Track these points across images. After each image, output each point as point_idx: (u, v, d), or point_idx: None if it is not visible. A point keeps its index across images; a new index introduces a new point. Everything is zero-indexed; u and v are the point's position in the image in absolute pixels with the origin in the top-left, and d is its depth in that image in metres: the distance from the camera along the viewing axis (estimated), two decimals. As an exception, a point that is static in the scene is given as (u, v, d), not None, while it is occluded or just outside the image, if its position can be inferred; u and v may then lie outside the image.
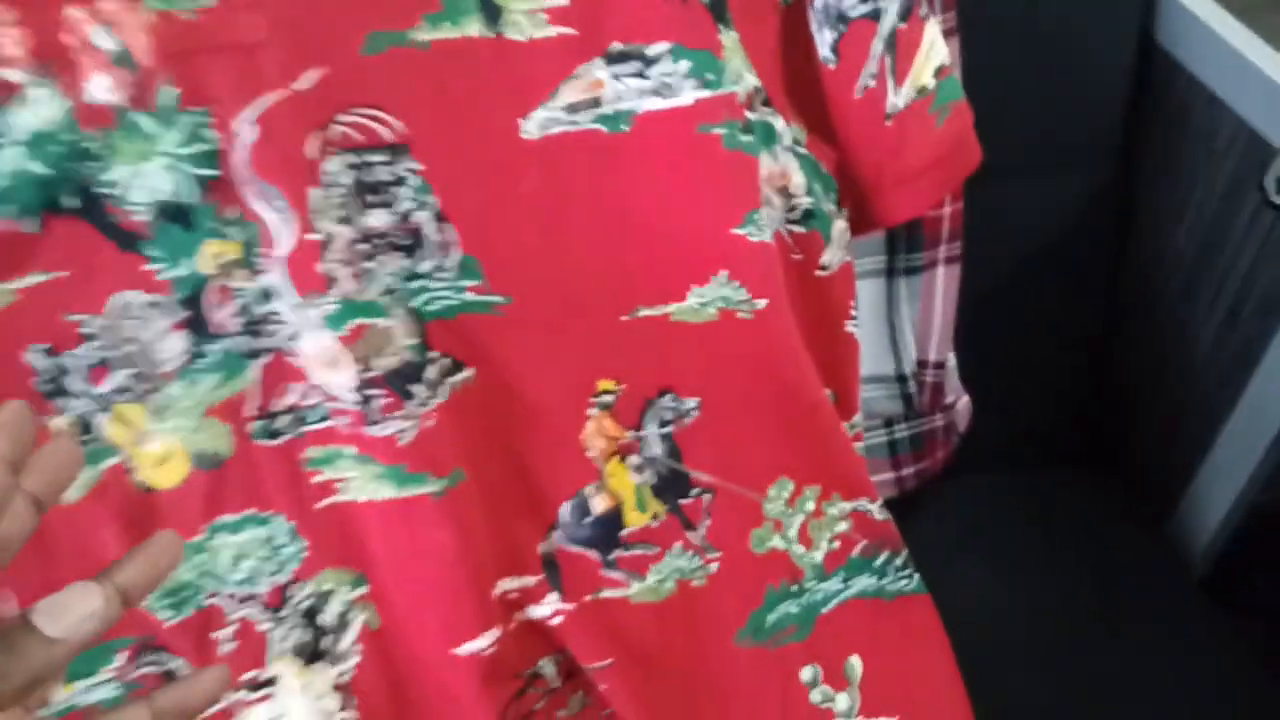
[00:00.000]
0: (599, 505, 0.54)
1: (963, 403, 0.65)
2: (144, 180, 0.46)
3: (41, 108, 0.44)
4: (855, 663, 0.56)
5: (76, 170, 0.45)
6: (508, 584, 0.53)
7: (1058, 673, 0.61)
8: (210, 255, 0.48)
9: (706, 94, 0.50)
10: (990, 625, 0.60)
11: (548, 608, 0.53)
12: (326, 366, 0.49)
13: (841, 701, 0.55)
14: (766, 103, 0.53)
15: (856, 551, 0.56)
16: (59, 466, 0.34)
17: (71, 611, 0.32)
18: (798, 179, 0.53)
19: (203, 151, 0.46)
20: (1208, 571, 0.67)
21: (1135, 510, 0.67)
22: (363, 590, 0.53)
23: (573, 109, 0.50)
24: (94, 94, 0.45)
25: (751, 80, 0.52)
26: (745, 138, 0.51)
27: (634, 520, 0.54)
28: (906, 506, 0.61)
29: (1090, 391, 0.71)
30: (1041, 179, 0.64)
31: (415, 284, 0.49)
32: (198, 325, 0.49)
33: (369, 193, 0.48)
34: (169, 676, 0.55)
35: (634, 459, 0.54)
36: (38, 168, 0.45)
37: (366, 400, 0.49)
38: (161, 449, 0.50)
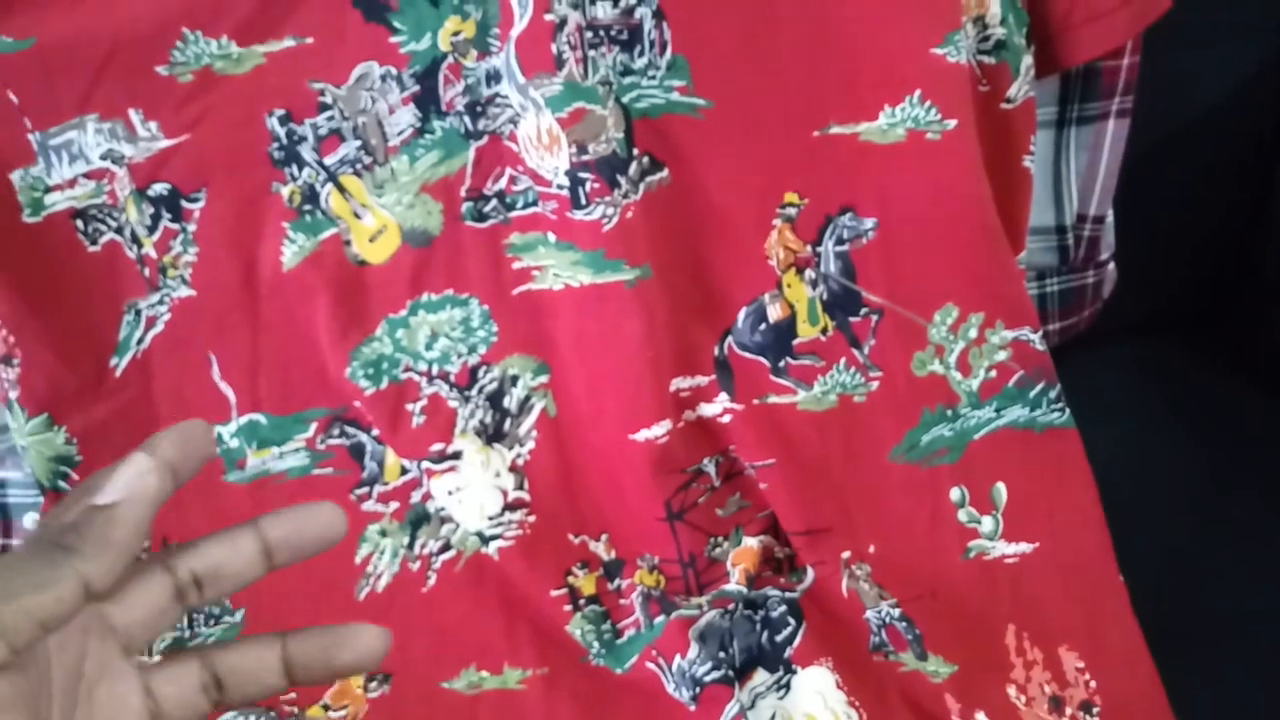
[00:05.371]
0: (774, 313, 0.56)
1: (1111, 265, 0.67)
2: None
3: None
4: (1001, 489, 0.58)
5: None
6: (681, 382, 0.56)
7: (1195, 517, 0.63)
8: (448, 32, 0.51)
9: None
10: (1128, 474, 0.61)
11: (718, 406, 0.56)
12: (543, 148, 0.52)
13: (986, 524, 0.58)
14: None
15: (1012, 382, 0.58)
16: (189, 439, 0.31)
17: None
18: (994, 9, 0.54)
19: None
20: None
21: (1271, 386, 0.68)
22: (544, 379, 0.57)
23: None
24: None
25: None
26: None
27: (805, 332, 0.57)
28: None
29: (1233, 268, 0.72)
30: (1225, 43, 0.65)
31: (628, 79, 0.52)
32: (427, 101, 0.52)
33: None
34: (357, 450, 0.59)
35: (810, 273, 0.57)
36: None
37: (576, 185, 0.52)
38: (376, 223, 0.54)
